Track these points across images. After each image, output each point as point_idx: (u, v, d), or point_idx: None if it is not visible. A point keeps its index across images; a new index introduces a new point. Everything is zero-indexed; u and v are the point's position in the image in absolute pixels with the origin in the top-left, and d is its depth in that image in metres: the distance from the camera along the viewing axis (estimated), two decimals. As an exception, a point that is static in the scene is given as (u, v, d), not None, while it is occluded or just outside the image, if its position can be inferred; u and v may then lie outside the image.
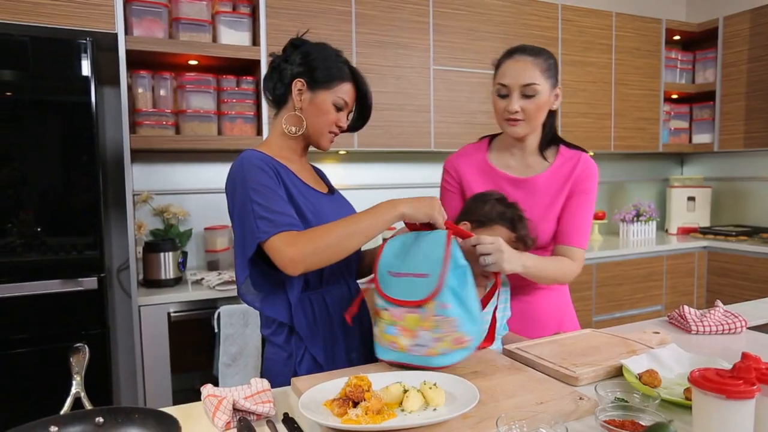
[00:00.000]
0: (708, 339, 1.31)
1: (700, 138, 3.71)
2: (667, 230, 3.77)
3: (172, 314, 2.12)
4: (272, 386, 1.29)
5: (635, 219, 3.47)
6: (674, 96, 3.74)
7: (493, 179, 1.47)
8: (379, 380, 0.98)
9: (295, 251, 1.10)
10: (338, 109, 1.29)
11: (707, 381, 0.70)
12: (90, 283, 1.88)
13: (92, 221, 1.91)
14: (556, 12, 3.13)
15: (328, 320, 1.26)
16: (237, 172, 1.20)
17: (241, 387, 1.04)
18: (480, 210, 1.32)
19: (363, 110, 1.37)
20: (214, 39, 2.33)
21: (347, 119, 1.34)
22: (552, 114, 1.45)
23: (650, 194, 3.97)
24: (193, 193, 2.60)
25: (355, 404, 0.90)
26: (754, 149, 3.42)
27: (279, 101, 1.32)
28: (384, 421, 0.87)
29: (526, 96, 1.35)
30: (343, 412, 0.89)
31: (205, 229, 2.53)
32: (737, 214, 3.73)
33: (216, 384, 2.20)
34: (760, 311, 1.56)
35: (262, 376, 1.30)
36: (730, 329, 1.32)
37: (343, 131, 1.34)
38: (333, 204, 1.34)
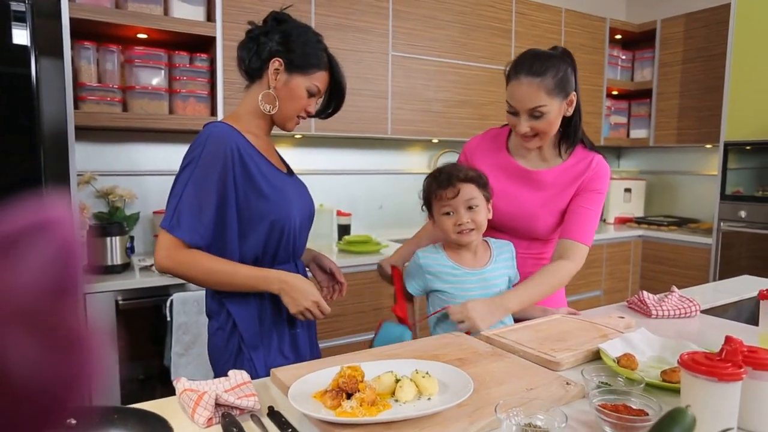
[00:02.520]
0: (665, 322, 1.39)
1: (637, 133, 3.93)
2: (605, 220, 3.98)
3: (120, 302, 2.00)
4: (217, 363, 1.31)
5: (577, 209, 3.63)
6: (615, 92, 3.92)
7: (505, 168, 1.49)
8: (370, 370, 0.96)
9: (168, 262, 1.18)
10: (310, 95, 1.30)
11: (698, 364, 0.74)
12: (30, 270, 1.73)
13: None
14: (510, 5, 3.18)
15: (273, 301, 1.30)
16: (198, 147, 1.20)
17: (219, 380, 1.00)
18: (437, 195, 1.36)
19: (336, 99, 1.37)
20: (166, 12, 2.19)
21: (316, 105, 1.36)
22: (573, 115, 1.41)
23: (590, 185, 4.16)
24: (141, 174, 2.45)
25: (349, 396, 0.88)
26: (685, 145, 3.66)
27: (253, 75, 1.30)
28: (380, 413, 0.85)
29: (534, 117, 1.34)
30: (337, 404, 0.87)
31: (154, 213, 2.39)
32: (668, 205, 4.00)
33: (167, 374, 2.12)
34: (709, 296, 1.68)
35: (210, 354, 1.33)
36: (685, 313, 1.41)
37: (310, 116, 1.35)
38: (294, 185, 1.36)
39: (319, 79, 1.29)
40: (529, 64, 1.33)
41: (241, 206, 1.23)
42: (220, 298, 1.29)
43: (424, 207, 1.42)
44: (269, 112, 1.28)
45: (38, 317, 0.16)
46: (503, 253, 1.42)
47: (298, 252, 1.37)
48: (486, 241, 1.43)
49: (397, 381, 0.92)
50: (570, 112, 1.39)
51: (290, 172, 1.41)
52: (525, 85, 1.31)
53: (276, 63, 1.25)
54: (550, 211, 1.45)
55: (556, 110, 1.34)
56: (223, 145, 1.19)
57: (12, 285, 0.16)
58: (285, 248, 1.30)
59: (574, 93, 1.38)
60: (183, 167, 1.21)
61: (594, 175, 1.42)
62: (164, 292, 2.06)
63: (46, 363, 0.16)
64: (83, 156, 2.31)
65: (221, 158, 1.19)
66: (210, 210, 1.19)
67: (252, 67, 1.29)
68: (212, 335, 1.32)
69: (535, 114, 1.33)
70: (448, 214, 1.34)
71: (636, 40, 3.93)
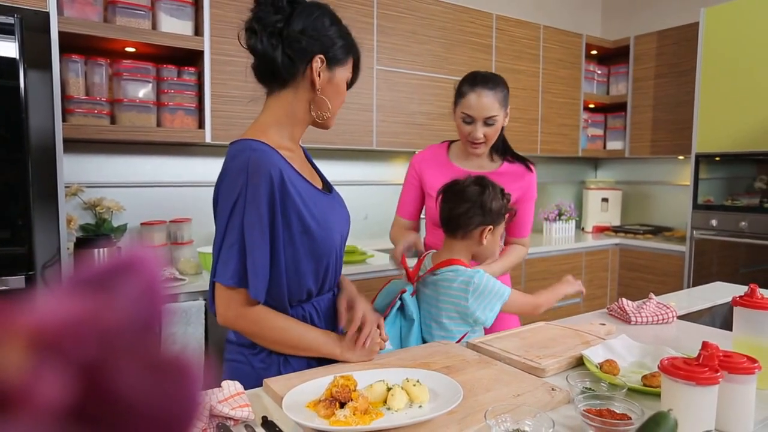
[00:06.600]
0: (644, 328, 1.45)
1: (613, 145, 4.04)
2: (583, 228, 4.08)
3: (106, 316, 1.99)
4: (252, 377, 1.26)
5: (558, 218, 3.72)
6: (591, 105, 4.04)
7: (450, 171, 1.66)
8: (361, 379, 0.99)
9: (242, 321, 1.08)
10: (348, 87, 1.19)
11: (677, 369, 0.79)
12: (16, 281, 1.71)
13: (21, 215, 1.74)
14: (491, 21, 3.27)
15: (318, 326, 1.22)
16: (239, 178, 1.04)
17: (212, 390, 1.01)
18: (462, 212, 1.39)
19: (354, 77, 1.22)
20: (154, 26, 2.21)
21: None
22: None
23: (569, 195, 4.27)
24: (128, 186, 2.44)
25: (342, 405, 0.91)
26: (659, 156, 3.78)
27: (285, 78, 1.10)
28: (373, 421, 0.88)
29: (487, 125, 1.55)
30: (330, 413, 0.89)
31: (142, 224, 2.39)
32: (643, 214, 4.12)
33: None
34: (684, 302, 1.75)
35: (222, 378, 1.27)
36: (662, 319, 1.47)
37: None
38: (331, 203, 1.21)
39: (350, 67, 1.17)
40: (486, 80, 1.56)
41: (287, 243, 1.10)
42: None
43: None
44: (323, 119, 1.14)
45: (137, 346, 0.19)
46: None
47: (337, 277, 1.27)
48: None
49: (389, 389, 0.95)
50: (506, 123, 1.63)
51: (326, 186, 1.26)
52: (484, 97, 1.53)
53: (318, 61, 1.08)
54: None
55: (501, 120, 1.60)
56: (268, 174, 1.04)
57: (109, 316, 0.18)
58: (329, 278, 1.20)
59: (509, 108, 1.64)
60: (232, 205, 1.05)
61: (528, 187, 1.69)
62: (151, 304, 2.06)
63: (158, 385, 0.18)
64: (70, 168, 2.31)
65: (268, 191, 1.04)
66: (266, 254, 1.06)
67: (286, 69, 1.08)
68: (233, 361, 1.20)
69: (488, 122, 1.55)
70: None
71: (611, 56, 4.05)
